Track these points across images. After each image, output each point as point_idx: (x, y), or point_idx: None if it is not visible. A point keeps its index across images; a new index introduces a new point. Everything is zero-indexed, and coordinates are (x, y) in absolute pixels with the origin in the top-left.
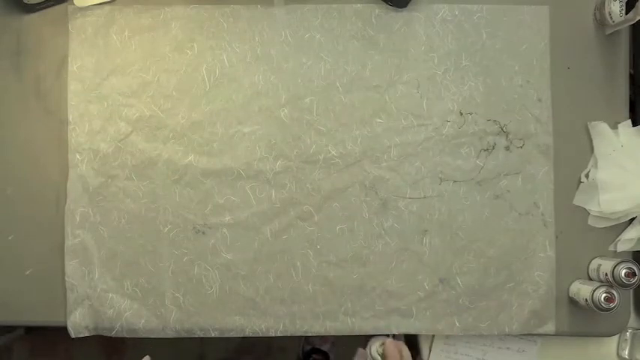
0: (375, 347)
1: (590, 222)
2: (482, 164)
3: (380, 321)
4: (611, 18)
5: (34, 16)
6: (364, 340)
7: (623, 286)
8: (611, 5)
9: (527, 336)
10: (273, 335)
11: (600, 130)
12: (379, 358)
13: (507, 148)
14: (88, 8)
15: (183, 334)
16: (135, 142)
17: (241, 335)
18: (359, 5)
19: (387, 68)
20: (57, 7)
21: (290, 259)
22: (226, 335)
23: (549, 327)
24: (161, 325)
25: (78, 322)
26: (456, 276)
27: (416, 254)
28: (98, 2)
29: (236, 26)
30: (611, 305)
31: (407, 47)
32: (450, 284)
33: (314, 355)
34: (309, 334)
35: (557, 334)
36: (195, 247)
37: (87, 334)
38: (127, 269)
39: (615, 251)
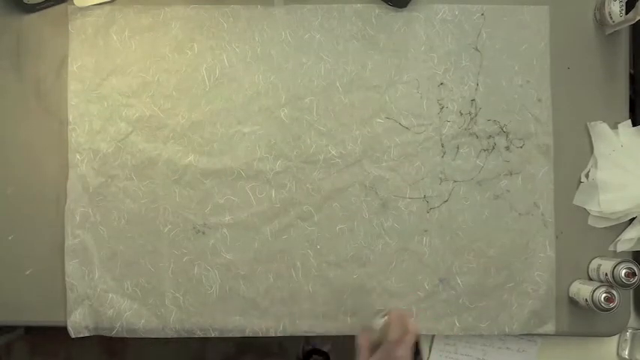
0: (376, 319)
1: (590, 222)
2: (482, 164)
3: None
4: (611, 18)
5: (34, 16)
6: None
7: (623, 286)
8: (611, 5)
9: (527, 336)
10: (273, 335)
11: (600, 130)
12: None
13: (507, 148)
14: (88, 8)
15: (183, 334)
16: (135, 142)
17: (241, 335)
18: (359, 5)
19: (387, 68)
20: (57, 7)
21: (290, 259)
22: (226, 335)
23: (549, 327)
24: (161, 325)
25: (78, 322)
26: (456, 276)
27: (416, 254)
28: (98, 2)
29: (236, 26)
30: (611, 305)
31: (407, 47)
32: (450, 284)
33: (314, 356)
34: (309, 334)
35: (557, 334)
36: (195, 247)
37: (87, 334)
38: (127, 269)
39: (615, 251)
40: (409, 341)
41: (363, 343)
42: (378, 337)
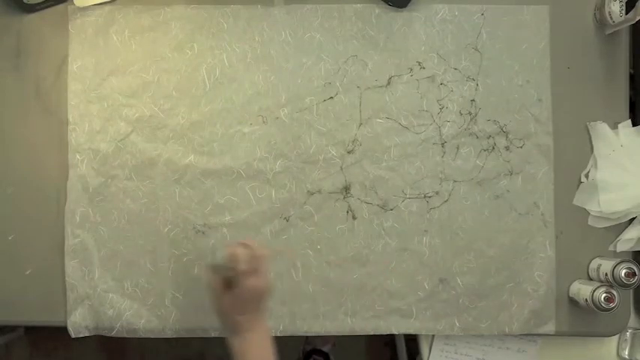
0: (218, 254)
1: (590, 222)
2: (482, 164)
3: (380, 321)
4: (611, 18)
5: (34, 16)
6: (364, 341)
7: (623, 286)
8: (611, 5)
9: (527, 336)
10: (273, 335)
11: (600, 130)
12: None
13: (507, 148)
14: (88, 8)
15: (183, 334)
16: (135, 142)
17: None
18: (359, 5)
19: (387, 68)
20: (57, 7)
21: (290, 260)
22: (226, 335)
23: (549, 327)
24: (161, 325)
25: (78, 322)
26: (456, 276)
27: (416, 254)
28: (98, 2)
29: (236, 26)
30: (611, 305)
31: (407, 47)
32: (450, 284)
33: (314, 356)
34: (309, 334)
35: (557, 334)
36: (195, 247)
37: (87, 334)
38: (127, 269)
39: (615, 251)
40: (259, 266)
41: (214, 283)
42: (227, 273)
